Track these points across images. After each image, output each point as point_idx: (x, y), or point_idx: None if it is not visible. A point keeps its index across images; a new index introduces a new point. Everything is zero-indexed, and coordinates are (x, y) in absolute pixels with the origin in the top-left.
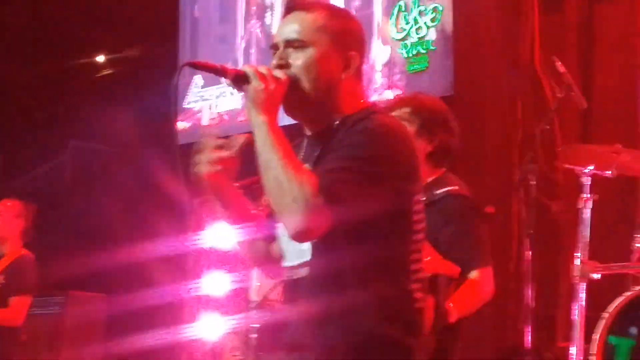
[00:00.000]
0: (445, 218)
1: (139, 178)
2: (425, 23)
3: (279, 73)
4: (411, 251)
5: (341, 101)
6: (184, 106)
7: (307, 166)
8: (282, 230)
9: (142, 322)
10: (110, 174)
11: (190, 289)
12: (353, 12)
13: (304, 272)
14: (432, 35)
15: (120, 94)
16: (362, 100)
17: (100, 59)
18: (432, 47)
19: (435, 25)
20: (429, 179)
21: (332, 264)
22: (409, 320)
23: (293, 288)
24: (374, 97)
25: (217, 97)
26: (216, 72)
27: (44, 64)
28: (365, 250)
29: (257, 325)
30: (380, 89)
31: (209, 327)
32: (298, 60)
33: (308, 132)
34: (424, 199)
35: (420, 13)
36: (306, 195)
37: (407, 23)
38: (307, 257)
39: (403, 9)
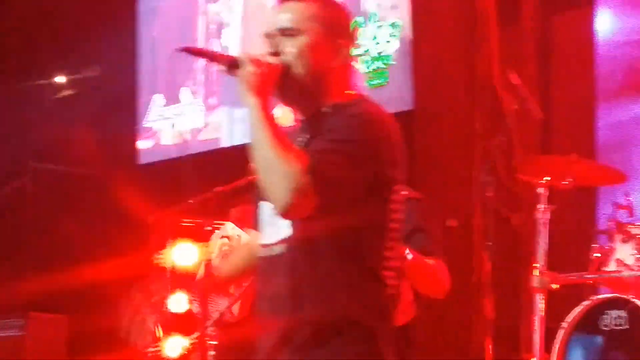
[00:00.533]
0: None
1: (99, 198)
2: (384, 38)
3: (271, 59)
4: (386, 238)
5: (331, 88)
6: (144, 125)
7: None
8: (263, 210)
9: (104, 343)
10: (70, 194)
11: (151, 308)
12: None
13: (279, 249)
14: (391, 50)
15: (80, 115)
16: (351, 89)
17: (60, 79)
18: (391, 62)
19: (395, 40)
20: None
21: (308, 243)
22: (378, 304)
23: (268, 265)
24: None
25: (178, 115)
26: (210, 58)
27: (2, 85)
28: (341, 231)
29: (215, 343)
30: None
31: (170, 346)
32: (290, 47)
33: (299, 118)
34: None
35: (379, 28)
36: (295, 173)
37: (366, 38)
38: (283, 235)
39: (362, 24)
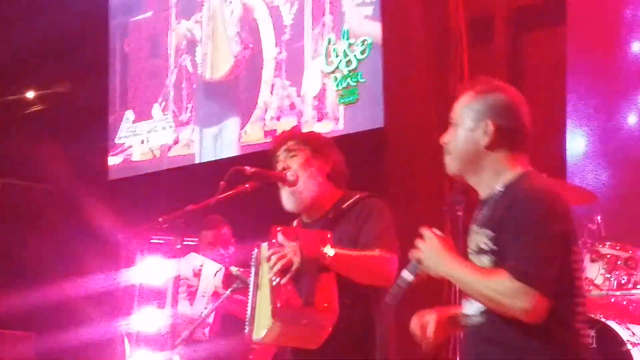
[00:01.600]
0: (361, 215)
1: (68, 214)
2: (355, 56)
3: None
4: (576, 295)
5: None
6: (115, 141)
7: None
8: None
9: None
10: (38, 210)
11: (121, 325)
12: (283, 46)
13: (478, 320)
14: (362, 67)
15: (49, 130)
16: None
17: (30, 95)
18: (362, 80)
19: (365, 58)
20: (335, 200)
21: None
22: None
23: (470, 333)
24: (305, 129)
25: (149, 132)
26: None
27: None
28: None
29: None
30: (311, 121)
31: None
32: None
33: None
34: (331, 216)
35: (349, 46)
36: (520, 301)
37: (337, 56)
38: (482, 307)
39: (333, 41)
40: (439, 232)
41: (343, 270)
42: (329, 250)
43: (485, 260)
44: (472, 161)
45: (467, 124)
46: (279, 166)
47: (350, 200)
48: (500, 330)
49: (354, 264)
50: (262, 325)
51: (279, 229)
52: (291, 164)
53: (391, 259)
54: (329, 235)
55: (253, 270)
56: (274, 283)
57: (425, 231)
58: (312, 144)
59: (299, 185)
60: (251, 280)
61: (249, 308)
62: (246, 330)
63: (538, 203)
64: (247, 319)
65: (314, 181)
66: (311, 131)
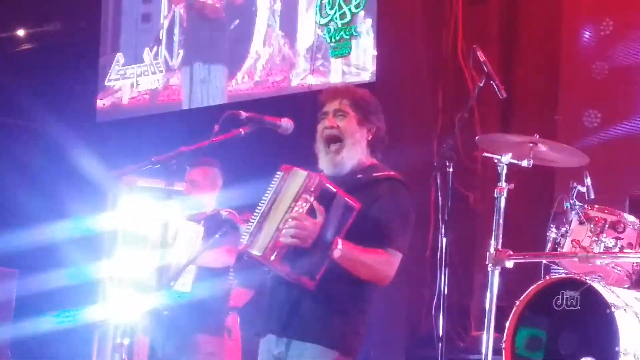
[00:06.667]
0: (383, 198)
1: (54, 155)
2: (349, 9)
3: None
4: None
5: None
6: (105, 84)
7: None
8: None
9: (55, 301)
10: (24, 149)
11: (105, 268)
12: None
13: None
14: (356, 21)
15: (38, 69)
16: None
17: (20, 32)
18: (355, 33)
19: (359, 11)
20: (368, 164)
21: None
22: None
23: None
24: (296, 82)
25: (139, 75)
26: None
27: None
28: None
29: (169, 304)
30: (302, 74)
31: (122, 307)
32: None
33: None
34: (361, 176)
35: None
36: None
37: (332, 8)
38: None
39: None
40: None
41: (346, 265)
42: (339, 245)
43: None
44: None
45: None
46: (325, 122)
47: (382, 173)
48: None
49: (358, 262)
50: (258, 244)
51: (323, 173)
52: (340, 124)
53: (395, 260)
54: (355, 211)
55: (273, 185)
56: (282, 239)
57: None
58: (364, 108)
59: (343, 155)
60: (267, 194)
61: (253, 220)
62: (242, 240)
63: None
64: (247, 230)
65: (357, 148)
66: (365, 92)
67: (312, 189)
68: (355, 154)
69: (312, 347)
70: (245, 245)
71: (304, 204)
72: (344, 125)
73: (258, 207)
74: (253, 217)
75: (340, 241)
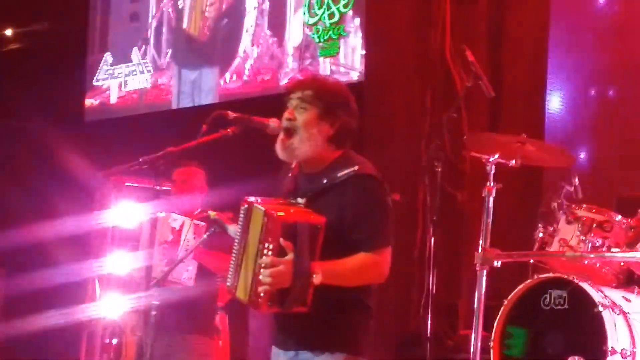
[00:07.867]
0: (350, 198)
1: (42, 155)
2: (338, 9)
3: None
4: None
5: None
6: (93, 83)
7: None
8: None
9: (43, 300)
10: (13, 148)
11: (93, 267)
12: None
13: None
14: (344, 21)
15: (26, 69)
16: None
17: (8, 32)
18: (344, 33)
19: (348, 11)
20: (331, 159)
21: None
22: None
23: None
24: (284, 81)
25: (127, 75)
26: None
27: None
28: None
29: (157, 303)
30: (290, 73)
31: (111, 306)
32: None
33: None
34: (326, 181)
35: None
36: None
37: (320, 8)
38: None
39: None
40: None
41: (334, 283)
42: (317, 271)
43: None
44: None
45: None
46: (285, 113)
47: (345, 171)
48: None
49: (345, 276)
50: (242, 290)
51: (280, 214)
52: (297, 115)
53: (382, 258)
54: (322, 228)
55: (241, 223)
56: (260, 288)
57: None
58: (327, 101)
59: (293, 141)
60: (238, 233)
61: (232, 262)
62: (228, 284)
63: None
64: (230, 272)
65: (311, 142)
66: (336, 83)
67: (272, 230)
68: (307, 147)
69: (319, 355)
70: (231, 288)
71: (271, 245)
72: (302, 119)
73: (235, 245)
74: (232, 256)
75: (317, 267)
